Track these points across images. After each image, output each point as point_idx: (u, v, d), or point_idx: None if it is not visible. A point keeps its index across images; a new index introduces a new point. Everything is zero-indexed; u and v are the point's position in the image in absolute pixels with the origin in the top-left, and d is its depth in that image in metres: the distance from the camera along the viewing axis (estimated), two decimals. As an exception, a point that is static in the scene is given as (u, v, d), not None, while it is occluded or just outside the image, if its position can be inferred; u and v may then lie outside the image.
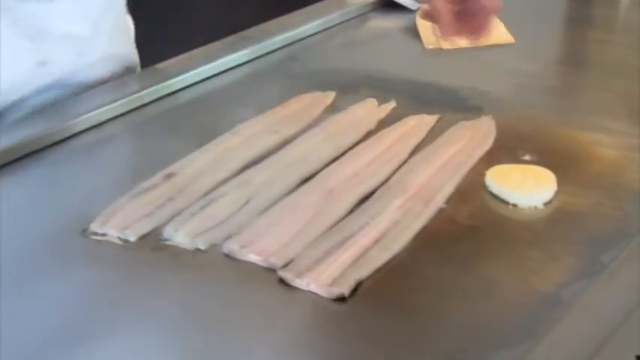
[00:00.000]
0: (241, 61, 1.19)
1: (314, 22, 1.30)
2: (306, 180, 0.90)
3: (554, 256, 0.80)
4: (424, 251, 0.81)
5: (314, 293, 0.75)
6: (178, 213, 0.84)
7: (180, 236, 0.81)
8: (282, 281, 0.76)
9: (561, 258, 0.79)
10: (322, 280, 0.75)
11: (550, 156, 0.95)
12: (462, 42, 1.26)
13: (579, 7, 1.47)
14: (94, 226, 0.83)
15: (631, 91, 1.12)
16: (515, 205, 0.87)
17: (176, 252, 0.80)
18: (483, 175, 0.91)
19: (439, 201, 0.87)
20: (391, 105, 1.06)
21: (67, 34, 1.08)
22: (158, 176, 0.90)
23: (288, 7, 1.32)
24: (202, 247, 0.81)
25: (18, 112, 1.06)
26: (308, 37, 1.28)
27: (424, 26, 1.29)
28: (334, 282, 0.75)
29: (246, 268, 0.78)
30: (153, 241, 0.82)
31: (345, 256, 0.78)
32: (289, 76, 1.17)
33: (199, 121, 1.05)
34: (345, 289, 0.74)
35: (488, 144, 0.97)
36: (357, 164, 0.93)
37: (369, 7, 1.37)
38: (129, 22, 1.20)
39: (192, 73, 1.13)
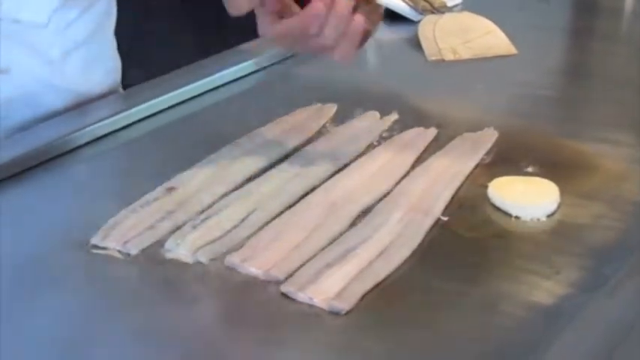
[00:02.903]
0: (242, 74, 1.19)
1: (316, 34, 1.29)
2: (308, 193, 0.90)
3: (557, 268, 0.79)
4: (426, 264, 0.80)
5: (316, 306, 0.74)
6: (180, 226, 0.84)
7: (181, 249, 0.81)
8: (284, 294, 0.76)
9: (564, 271, 0.79)
10: (325, 294, 0.75)
11: (553, 168, 0.94)
12: (465, 53, 1.26)
13: (582, 18, 1.47)
14: (95, 240, 0.82)
15: (634, 102, 1.12)
16: (517, 218, 0.87)
17: (177, 265, 0.80)
18: (486, 187, 0.90)
19: (437, 211, 0.87)
20: (393, 117, 1.06)
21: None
22: (159, 189, 0.90)
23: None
24: (204, 260, 0.80)
25: None
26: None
27: (426, 38, 1.29)
28: (337, 296, 0.75)
29: (248, 282, 0.78)
30: (154, 254, 0.81)
31: (346, 269, 0.78)
32: (291, 89, 1.17)
33: (201, 134, 1.05)
34: (347, 304, 0.74)
35: (482, 152, 0.97)
36: (359, 177, 0.93)
37: (371, 19, 1.37)
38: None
39: (193, 85, 1.13)
